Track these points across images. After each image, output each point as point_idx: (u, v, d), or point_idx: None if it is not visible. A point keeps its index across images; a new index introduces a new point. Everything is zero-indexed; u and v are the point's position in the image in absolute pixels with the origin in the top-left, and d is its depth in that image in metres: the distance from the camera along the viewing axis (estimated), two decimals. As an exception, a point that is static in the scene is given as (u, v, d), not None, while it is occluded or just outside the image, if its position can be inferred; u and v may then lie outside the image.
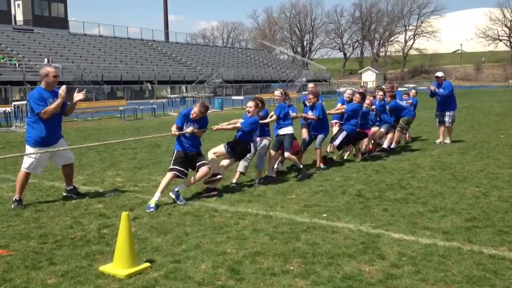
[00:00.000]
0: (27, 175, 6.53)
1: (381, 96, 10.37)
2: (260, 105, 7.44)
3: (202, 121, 6.84)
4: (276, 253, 4.65)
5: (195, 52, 63.14)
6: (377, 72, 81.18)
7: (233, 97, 33.52)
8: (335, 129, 10.06)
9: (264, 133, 7.89)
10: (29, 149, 6.49)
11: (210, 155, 7.16)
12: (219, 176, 6.97)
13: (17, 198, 6.36)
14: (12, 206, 6.27)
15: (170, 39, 65.71)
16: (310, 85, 10.08)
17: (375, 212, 6.04)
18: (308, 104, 8.89)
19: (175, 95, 32.18)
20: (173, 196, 6.48)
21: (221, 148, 7.26)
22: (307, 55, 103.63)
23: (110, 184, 7.75)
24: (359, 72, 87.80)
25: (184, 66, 53.53)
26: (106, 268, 4.23)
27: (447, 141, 12.05)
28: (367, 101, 9.67)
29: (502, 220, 5.64)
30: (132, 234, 4.33)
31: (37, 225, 5.57)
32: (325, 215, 5.93)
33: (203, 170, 6.64)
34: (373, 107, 10.09)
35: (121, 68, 43.81)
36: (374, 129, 10.18)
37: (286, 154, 7.94)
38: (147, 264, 4.33)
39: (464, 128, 15.54)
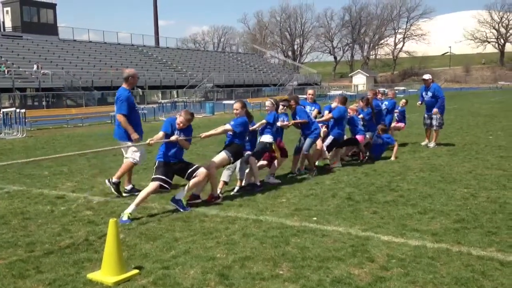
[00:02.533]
0: (133, 166, 7.38)
1: (364, 104, 10.35)
2: (245, 105, 7.29)
3: (187, 131, 6.61)
4: (266, 257, 4.64)
5: (186, 56, 63.11)
6: (368, 75, 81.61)
7: (224, 102, 33.52)
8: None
9: (252, 148, 7.65)
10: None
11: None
12: (199, 200, 6.74)
13: (116, 181, 7.25)
14: (110, 186, 7.23)
15: (161, 44, 65.66)
16: (310, 91, 10.06)
17: (365, 215, 6.06)
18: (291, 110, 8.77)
19: (166, 100, 32.17)
20: (176, 206, 6.24)
21: (221, 155, 6.99)
22: (298, 59, 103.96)
23: (99, 191, 7.70)
24: (349, 75, 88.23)
25: (175, 71, 53.47)
26: (94, 275, 4.20)
27: (431, 145, 11.86)
28: (349, 111, 9.63)
29: (490, 221, 5.68)
30: (120, 241, 4.30)
31: (24, 233, 5.52)
32: (315, 218, 5.93)
33: (202, 172, 6.42)
34: (361, 116, 10.11)
35: (111, 73, 43.65)
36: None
37: (251, 157, 7.54)
38: (136, 271, 4.30)
39: (453, 130, 15.65)
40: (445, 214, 5.98)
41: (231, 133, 7.13)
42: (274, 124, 7.86)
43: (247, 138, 7.45)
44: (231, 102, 31.78)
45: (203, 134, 7.05)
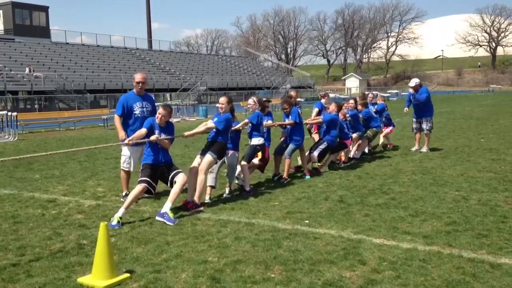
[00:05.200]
0: (126, 173, 7.20)
1: (352, 105, 10.36)
2: (231, 101, 7.10)
3: (168, 130, 6.40)
4: (258, 260, 4.63)
5: (179, 60, 63.02)
6: (361, 78, 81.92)
7: (218, 105, 33.43)
8: (316, 137, 10.05)
9: (234, 146, 7.42)
10: (124, 148, 7.11)
11: (197, 172, 6.72)
12: (201, 208, 6.50)
13: (125, 193, 7.14)
14: (122, 199, 6.98)
15: (154, 47, 65.55)
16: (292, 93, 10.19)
17: (357, 217, 6.07)
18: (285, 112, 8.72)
19: (159, 103, 31.99)
20: (163, 220, 5.90)
21: (197, 162, 6.84)
22: (291, 62, 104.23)
23: (91, 194, 7.66)
24: (342, 78, 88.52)
25: (168, 74, 53.39)
26: (84, 279, 4.17)
27: (424, 149, 11.64)
28: (340, 115, 9.59)
29: (481, 223, 5.71)
30: (111, 244, 4.28)
31: (15, 237, 5.47)
32: (307, 221, 5.93)
33: (180, 179, 6.17)
34: (347, 115, 10.10)
35: (104, 76, 43.51)
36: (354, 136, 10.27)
37: (243, 162, 7.51)
38: (127, 275, 4.27)
39: (445, 133, 15.73)
40: (436, 217, 6.01)
41: (214, 130, 6.93)
42: (260, 124, 7.63)
43: (230, 135, 7.19)
44: (224, 105, 31.69)
45: (186, 133, 6.89)
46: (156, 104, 7.73)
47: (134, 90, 7.25)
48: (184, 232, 5.54)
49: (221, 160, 7.05)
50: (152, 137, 6.19)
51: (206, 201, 6.93)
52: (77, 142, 15.76)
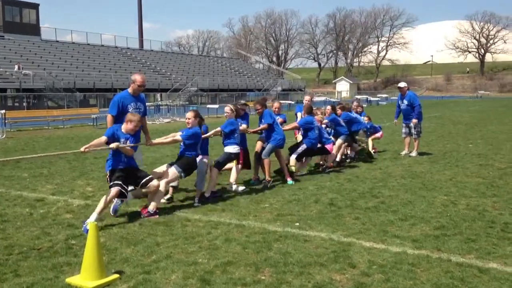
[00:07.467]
0: None
1: (329, 111, 10.32)
2: (199, 115, 7.03)
3: (135, 136, 6.27)
4: (248, 262, 4.63)
5: (170, 60, 62.85)
6: (351, 82, 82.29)
7: (208, 106, 33.42)
8: (299, 138, 10.02)
9: (203, 151, 7.38)
10: None
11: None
12: (156, 216, 6.22)
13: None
14: None
15: (145, 47, 65.32)
16: (307, 97, 10.55)
17: (347, 220, 6.09)
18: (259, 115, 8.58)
19: (149, 103, 31.87)
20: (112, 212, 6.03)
21: (163, 169, 6.74)
22: (282, 65, 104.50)
23: (79, 194, 7.60)
24: (333, 82, 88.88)
25: (159, 74, 53.19)
26: (73, 280, 4.14)
27: (413, 154, 11.69)
28: (316, 118, 9.49)
29: (469, 228, 5.76)
30: (100, 244, 4.25)
31: (2, 236, 5.41)
32: (297, 224, 5.94)
33: (153, 185, 6.15)
34: (325, 120, 10.06)
35: (94, 75, 43.23)
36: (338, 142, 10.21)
37: (214, 170, 7.35)
38: (116, 276, 4.24)
39: (434, 138, 15.86)
40: (425, 221, 6.05)
41: (182, 144, 6.87)
42: (233, 132, 7.51)
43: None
44: (215, 106, 31.82)
45: (152, 142, 6.83)
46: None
47: (130, 90, 7.07)
48: (174, 233, 5.51)
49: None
50: (112, 145, 5.96)
51: (196, 204, 6.87)
52: (66, 141, 15.62)
